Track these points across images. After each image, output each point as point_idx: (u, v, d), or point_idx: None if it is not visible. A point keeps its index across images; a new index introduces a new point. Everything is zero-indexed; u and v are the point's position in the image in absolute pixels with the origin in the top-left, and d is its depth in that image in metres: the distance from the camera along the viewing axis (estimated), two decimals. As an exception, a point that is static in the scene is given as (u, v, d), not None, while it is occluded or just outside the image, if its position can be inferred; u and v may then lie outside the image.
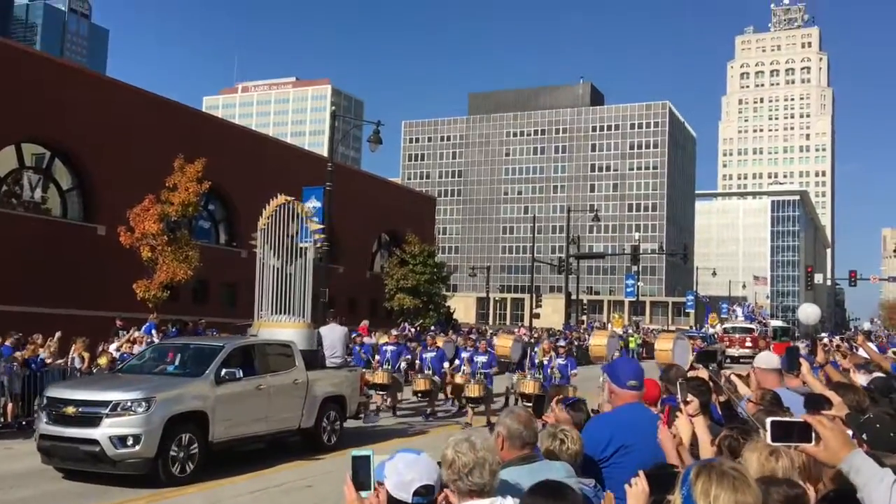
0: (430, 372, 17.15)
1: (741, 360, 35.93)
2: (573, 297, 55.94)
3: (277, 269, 13.57)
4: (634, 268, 61.04)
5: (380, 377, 16.71)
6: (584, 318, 67.38)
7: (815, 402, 4.35)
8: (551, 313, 69.98)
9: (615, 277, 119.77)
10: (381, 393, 17.16)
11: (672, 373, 6.67)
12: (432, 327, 23.53)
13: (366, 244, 48.46)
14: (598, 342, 18.15)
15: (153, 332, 19.26)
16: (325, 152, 32.03)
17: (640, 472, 2.90)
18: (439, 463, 2.85)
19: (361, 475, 2.87)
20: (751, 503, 2.14)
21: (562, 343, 19.42)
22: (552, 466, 3.54)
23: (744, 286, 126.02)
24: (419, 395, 17.17)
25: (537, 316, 49.91)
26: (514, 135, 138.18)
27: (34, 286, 24.50)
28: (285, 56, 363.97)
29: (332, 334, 14.12)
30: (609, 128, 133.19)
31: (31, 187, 29.09)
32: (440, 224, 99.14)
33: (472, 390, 15.84)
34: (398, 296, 44.76)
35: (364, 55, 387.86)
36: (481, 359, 16.46)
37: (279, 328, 13.00)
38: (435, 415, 17.22)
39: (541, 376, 15.49)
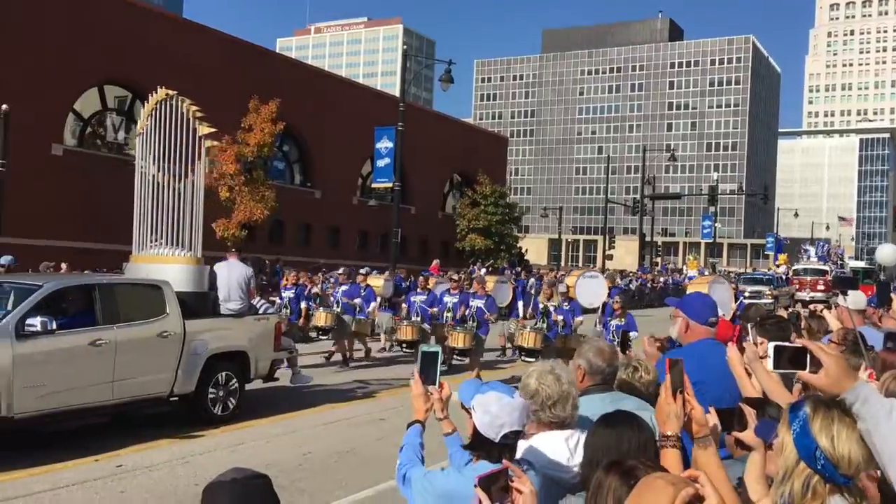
0: (419, 318, 14.51)
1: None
2: (647, 238, 55.03)
3: (163, 186, 10.49)
4: (712, 209, 59.47)
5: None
6: (659, 259, 66.33)
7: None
8: (625, 255, 69.11)
9: (691, 219, 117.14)
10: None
11: (751, 312, 6.53)
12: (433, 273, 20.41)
13: (437, 185, 48.49)
14: (570, 283, 15.56)
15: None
16: (396, 93, 31.89)
17: (712, 409, 2.83)
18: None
19: (428, 370, 3.06)
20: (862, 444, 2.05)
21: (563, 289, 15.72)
22: (623, 399, 3.51)
23: (827, 227, 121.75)
24: (403, 345, 14.24)
25: (610, 258, 49.35)
26: (589, 73, 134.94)
27: (116, 224, 25.41)
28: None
29: (230, 274, 10.78)
30: (688, 64, 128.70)
31: (115, 129, 29.95)
32: (512, 165, 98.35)
33: (457, 339, 13.16)
34: (470, 236, 44.86)
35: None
36: (478, 303, 13.95)
37: (159, 263, 10.15)
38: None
39: (544, 325, 13.23)
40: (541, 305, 13.65)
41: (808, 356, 2.31)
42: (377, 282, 17.26)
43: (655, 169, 78.71)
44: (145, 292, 9.34)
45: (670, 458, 2.34)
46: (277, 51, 79.86)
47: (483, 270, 30.03)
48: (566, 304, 13.59)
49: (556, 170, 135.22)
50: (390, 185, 27.99)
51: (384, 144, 28.23)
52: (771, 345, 2.48)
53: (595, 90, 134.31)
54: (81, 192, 26.03)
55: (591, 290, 14.40)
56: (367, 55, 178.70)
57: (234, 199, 26.22)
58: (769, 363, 2.48)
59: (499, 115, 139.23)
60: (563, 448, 2.88)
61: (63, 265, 18.72)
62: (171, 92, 10.61)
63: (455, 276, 15.63)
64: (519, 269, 37.36)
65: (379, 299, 16.82)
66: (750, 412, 2.67)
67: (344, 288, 15.42)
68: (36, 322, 7.74)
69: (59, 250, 22.70)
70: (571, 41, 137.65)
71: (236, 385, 10.05)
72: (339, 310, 14.91)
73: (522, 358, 12.98)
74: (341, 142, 38.27)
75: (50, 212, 25.42)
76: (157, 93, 10.73)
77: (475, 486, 2.09)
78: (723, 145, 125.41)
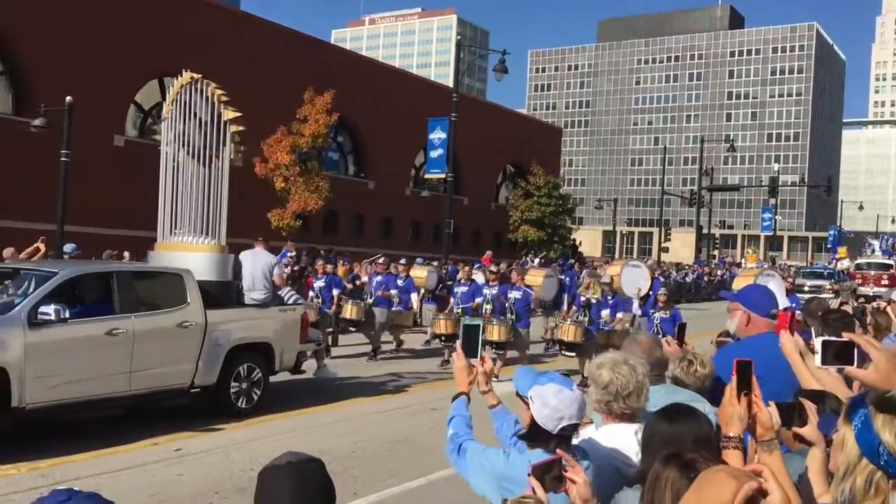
0: (460, 311, 13.82)
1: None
2: (704, 230, 54.04)
3: (188, 172, 10.16)
4: (772, 201, 58.09)
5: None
6: (716, 252, 65.11)
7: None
8: (680, 247, 68.01)
9: (751, 211, 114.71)
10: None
11: (812, 305, 6.34)
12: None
13: (490, 176, 48.36)
14: (533, 282, 14.72)
15: (287, 258, 19.93)
16: (450, 83, 31.87)
17: (772, 403, 2.75)
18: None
19: (470, 344, 3.13)
20: None
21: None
22: (677, 391, 3.44)
23: (893, 220, 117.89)
24: (441, 339, 13.50)
25: (666, 250, 48.62)
26: (646, 62, 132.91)
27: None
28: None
29: (255, 263, 10.41)
30: (749, 52, 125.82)
31: (174, 120, 30.57)
32: (566, 156, 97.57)
33: (492, 332, 12.36)
34: (522, 228, 44.67)
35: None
36: (515, 294, 13.09)
37: (183, 251, 9.87)
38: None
39: (585, 319, 12.62)
40: (582, 298, 13.17)
41: (856, 351, 2.23)
42: (420, 272, 16.68)
43: (714, 160, 77.09)
44: (165, 281, 9.10)
45: (732, 459, 2.28)
46: (332, 42, 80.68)
47: (536, 261, 29.88)
48: (610, 297, 12.95)
49: (610, 161, 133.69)
50: (443, 175, 28.01)
51: (437, 135, 28.26)
52: (818, 339, 2.40)
53: (652, 80, 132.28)
54: (143, 182, 26.63)
55: (634, 279, 13.76)
56: (420, 46, 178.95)
57: (289, 189, 26.55)
58: (817, 359, 2.40)
59: (553, 106, 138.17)
60: (631, 441, 2.83)
61: (126, 254, 19.19)
62: (195, 75, 10.27)
63: (494, 268, 15.04)
64: (572, 260, 37.09)
65: (423, 291, 16.33)
66: (810, 407, 2.59)
67: (378, 278, 14.92)
68: (50, 310, 7.50)
69: (123, 239, 23.30)
70: (628, 30, 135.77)
71: (260, 377, 9.70)
72: (369, 301, 14.48)
73: (563, 352, 12.53)
74: (395, 132, 38.44)
75: (112, 201, 26.11)
76: (181, 76, 10.36)
77: (529, 474, 2.08)
78: (784, 136, 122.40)
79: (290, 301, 11.09)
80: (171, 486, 6.83)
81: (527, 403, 2.63)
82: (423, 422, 9.54)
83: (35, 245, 14.66)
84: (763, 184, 74.49)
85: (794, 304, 10.63)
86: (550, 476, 2.11)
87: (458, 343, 3.15)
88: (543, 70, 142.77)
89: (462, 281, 14.86)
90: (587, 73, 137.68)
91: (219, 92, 10.07)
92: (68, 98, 19.85)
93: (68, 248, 15.92)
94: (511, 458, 2.65)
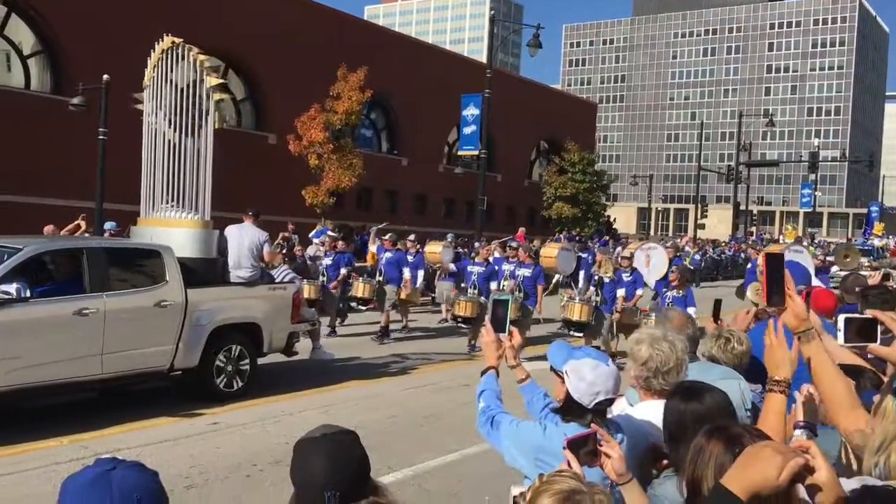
0: (477, 291, 13.16)
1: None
2: (742, 207, 53.25)
3: (173, 143, 9.56)
4: (812, 176, 56.99)
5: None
6: (754, 229, 64.18)
7: None
8: (717, 224, 67.16)
9: (789, 187, 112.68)
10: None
11: (849, 281, 6.22)
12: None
13: (524, 152, 48.06)
14: (548, 254, 14.30)
15: (325, 235, 19.99)
16: (483, 59, 31.63)
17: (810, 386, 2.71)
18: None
19: (499, 318, 3.15)
20: None
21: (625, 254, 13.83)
22: (710, 367, 3.41)
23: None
24: (459, 321, 12.94)
25: (702, 227, 48.03)
26: (683, 35, 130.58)
27: (212, 192, 26.23)
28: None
29: (241, 239, 9.78)
30: (789, 24, 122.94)
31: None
32: (601, 131, 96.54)
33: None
34: (556, 204, 44.39)
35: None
36: (524, 272, 12.62)
37: (165, 226, 9.35)
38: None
39: (598, 297, 12.24)
40: (595, 276, 12.77)
41: (879, 327, 2.20)
42: (435, 248, 16.01)
43: (752, 135, 75.80)
44: (142, 258, 8.61)
45: (777, 402, 2.25)
46: (365, 18, 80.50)
47: (567, 239, 29.72)
48: (627, 274, 12.48)
49: (646, 136, 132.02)
50: (476, 152, 27.87)
51: (471, 111, 28.09)
52: (841, 317, 2.36)
53: (689, 53, 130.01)
54: (179, 160, 26.98)
55: (651, 262, 13.50)
56: (454, 21, 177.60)
57: (323, 166, 26.64)
58: (840, 337, 2.36)
59: (588, 81, 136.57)
60: None
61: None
62: (177, 40, 9.75)
63: (512, 244, 13.90)
64: (607, 238, 36.82)
65: (440, 268, 15.80)
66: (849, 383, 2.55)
67: (388, 255, 14.36)
68: (10, 289, 7.07)
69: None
70: (664, 3, 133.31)
71: (247, 359, 9.23)
72: (381, 279, 14.07)
73: (572, 332, 12.00)
74: (428, 109, 38.32)
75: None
76: (163, 41, 9.84)
77: (564, 447, 2.08)
78: (825, 110, 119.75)
79: (287, 280, 10.61)
80: (209, 458, 6.96)
81: (561, 378, 2.63)
82: (456, 397, 9.59)
83: (76, 222, 14.94)
84: (802, 159, 73.04)
85: (822, 282, 10.38)
86: (585, 450, 2.11)
87: (487, 318, 3.17)
88: (578, 45, 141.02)
89: (478, 261, 14.14)
90: (622, 48, 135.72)
91: (202, 57, 9.56)
92: (105, 76, 20.06)
93: (108, 225, 16.16)
94: (548, 431, 2.66)
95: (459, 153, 33.09)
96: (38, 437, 7.22)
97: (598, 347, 10.74)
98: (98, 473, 1.39)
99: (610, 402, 2.63)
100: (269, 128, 30.53)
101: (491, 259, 14.31)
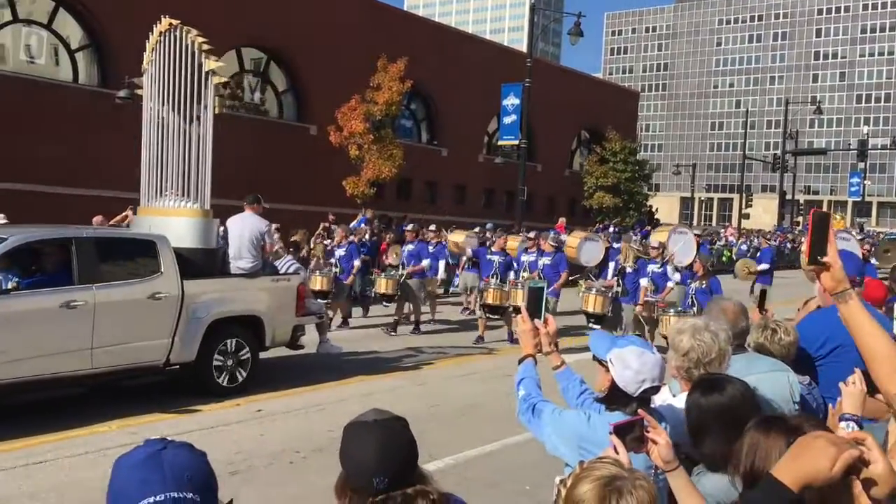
0: (500, 281, 12.77)
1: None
2: (788, 196, 52.26)
3: (175, 130, 9.23)
4: (861, 165, 55.70)
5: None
6: (800, 219, 62.97)
7: None
8: (762, 213, 66.07)
9: (837, 175, 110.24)
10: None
11: (901, 272, 6.06)
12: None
13: (565, 141, 47.71)
14: (571, 244, 13.96)
15: (364, 225, 20.14)
16: (523, 48, 31.44)
17: (857, 370, 2.67)
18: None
19: (534, 306, 3.14)
20: None
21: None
22: (758, 359, 3.36)
23: None
24: (486, 310, 12.66)
25: (746, 216, 47.27)
26: (727, 22, 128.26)
27: (254, 184, 26.54)
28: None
29: (242, 229, 9.39)
30: (837, 10, 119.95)
31: (251, 90, 31.09)
32: (643, 120, 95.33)
33: (517, 297, 11.62)
34: (597, 194, 44.01)
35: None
36: (544, 260, 12.35)
37: (164, 216, 9.01)
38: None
39: (620, 288, 11.83)
40: (618, 265, 12.36)
41: None
42: (459, 238, 15.60)
43: (798, 123, 74.29)
44: (136, 248, 8.29)
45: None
46: (405, 9, 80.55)
47: (611, 228, 29.48)
48: (657, 266, 11.90)
49: (689, 125, 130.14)
50: (516, 142, 27.76)
51: (511, 101, 27.98)
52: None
53: (733, 40, 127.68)
54: (220, 152, 27.30)
55: (679, 247, 13.07)
56: (494, 11, 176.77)
57: (363, 157, 26.76)
58: (894, 326, 2.31)
59: (630, 70, 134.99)
60: None
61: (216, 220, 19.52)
62: (174, 22, 9.33)
63: (532, 234, 13.76)
64: (649, 228, 36.41)
65: (464, 258, 15.43)
66: None
67: (410, 247, 13.97)
68: (9, 277, 6.89)
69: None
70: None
71: (249, 354, 8.89)
72: (403, 272, 13.55)
73: (590, 324, 11.66)
74: (467, 99, 38.22)
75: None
76: (160, 23, 9.49)
77: (610, 433, 2.07)
78: (874, 97, 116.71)
79: (291, 270, 10.27)
80: (252, 445, 7.07)
81: (605, 366, 2.62)
82: (498, 387, 9.58)
83: (124, 213, 15.22)
84: (851, 147, 71.37)
85: (869, 272, 10.12)
86: (632, 436, 2.10)
87: (523, 305, 3.16)
88: (620, 33, 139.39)
89: (496, 251, 13.53)
90: (665, 35, 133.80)
91: (200, 40, 9.17)
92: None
93: None
94: (592, 420, 2.65)
95: (499, 143, 32.99)
96: (85, 424, 7.41)
97: None
98: (149, 453, 1.42)
99: (655, 389, 2.61)
100: (311, 119, 30.73)
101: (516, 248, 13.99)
